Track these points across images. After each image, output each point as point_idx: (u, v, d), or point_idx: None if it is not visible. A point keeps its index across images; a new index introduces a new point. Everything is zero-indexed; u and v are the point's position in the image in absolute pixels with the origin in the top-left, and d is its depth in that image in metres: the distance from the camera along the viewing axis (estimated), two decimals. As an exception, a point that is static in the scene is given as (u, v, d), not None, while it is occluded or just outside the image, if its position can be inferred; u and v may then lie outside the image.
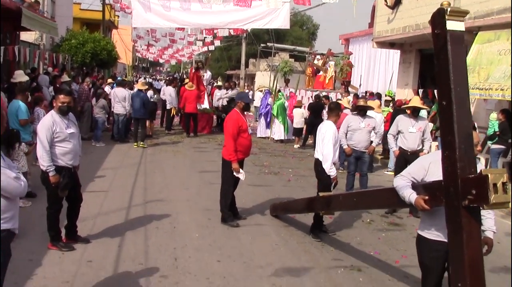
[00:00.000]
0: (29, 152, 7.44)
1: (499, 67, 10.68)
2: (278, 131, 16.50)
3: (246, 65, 38.92)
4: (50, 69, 17.09)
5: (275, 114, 16.38)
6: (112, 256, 5.58)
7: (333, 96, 18.96)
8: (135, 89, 14.18)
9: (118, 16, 38.94)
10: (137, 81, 20.47)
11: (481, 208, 3.35)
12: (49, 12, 21.50)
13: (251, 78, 40.34)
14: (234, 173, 6.95)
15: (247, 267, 5.51)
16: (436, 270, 3.90)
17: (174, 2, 15.50)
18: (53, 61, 17.18)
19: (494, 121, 10.98)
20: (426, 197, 3.73)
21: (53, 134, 5.31)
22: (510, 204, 3.29)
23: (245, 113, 7.43)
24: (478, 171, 3.42)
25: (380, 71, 22.17)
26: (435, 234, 3.86)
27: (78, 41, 20.71)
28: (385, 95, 15.51)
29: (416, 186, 3.90)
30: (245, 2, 13.86)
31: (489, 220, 3.93)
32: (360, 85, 22.71)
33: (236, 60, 43.56)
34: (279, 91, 17.78)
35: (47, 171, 5.32)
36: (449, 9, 3.60)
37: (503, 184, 3.20)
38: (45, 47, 20.99)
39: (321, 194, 6.08)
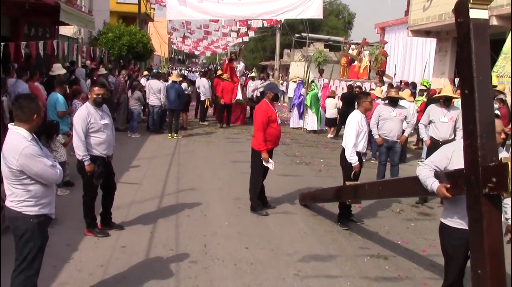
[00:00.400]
0: (67, 143, 7.74)
1: (536, 54, 10.40)
2: (311, 122, 16.51)
3: (281, 56, 38.87)
4: (88, 62, 17.59)
5: (308, 105, 16.38)
6: (145, 242, 5.80)
7: (367, 86, 18.77)
8: (170, 81, 14.42)
9: (154, 9, 39.43)
10: (171, 73, 20.77)
11: (501, 197, 3.35)
12: (87, 6, 22.02)
13: (285, 68, 40.26)
14: (264, 163, 7.06)
15: (274, 254, 5.63)
16: (459, 257, 3.92)
17: (207, -6, 15.69)
18: (90, 54, 17.66)
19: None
20: (448, 185, 3.76)
21: (88, 125, 5.54)
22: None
23: (278, 103, 7.51)
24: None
25: (416, 60, 21.77)
26: (457, 222, 3.88)
27: (115, 34, 21.17)
28: (421, 85, 15.29)
29: (439, 175, 3.92)
30: (277, -8, 13.84)
31: None
32: (394, 75, 22.38)
33: (271, 50, 43.54)
34: (313, 81, 17.76)
35: (83, 160, 5.56)
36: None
37: (523, 172, 3.20)
38: (83, 41, 21.55)
39: (347, 183, 6.13)
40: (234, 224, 6.62)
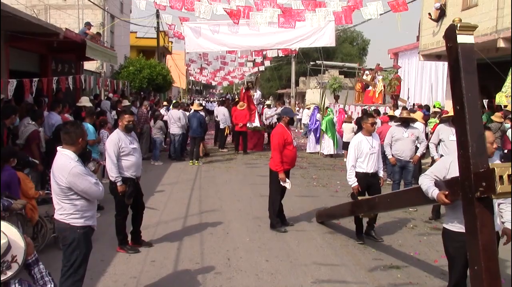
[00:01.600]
0: (97, 169, 8.28)
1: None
2: (327, 146, 16.94)
3: (296, 84, 39.53)
4: (111, 95, 18.38)
5: (324, 130, 16.85)
6: (172, 257, 6.26)
7: (381, 110, 19.20)
8: (192, 110, 15.11)
9: (172, 42, 40.63)
10: (192, 103, 21.51)
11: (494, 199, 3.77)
12: (109, 42, 23.04)
13: (301, 96, 40.92)
14: (281, 183, 7.52)
15: (292, 265, 6.04)
16: (460, 258, 4.29)
17: (222, 27, 16.43)
18: (113, 87, 18.48)
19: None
20: (447, 192, 4.18)
21: (119, 149, 6.10)
22: (515, 193, 3.69)
23: (294, 129, 8.00)
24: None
25: (428, 83, 22.21)
26: (457, 226, 4.28)
27: (136, 68, 22.07)
28: (433, 107, 15.68)
29: (439, 184, 4.35)
30: (290, 23, 14.50)
31: (508, 212, 4.31)
32: (408, 98, 22.80)
33: (287, 79, 44.27)
34: (328, 107, 18.27)
35: (115, 181, 6.09)
36: (459, 25, 4.08)
37: (509, 176, 3.62)
38: (105, 75, 22.49)
39: (360, 197, 6.56)
40: (254, 239, 7.06)
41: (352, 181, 6.99)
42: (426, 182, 4.44)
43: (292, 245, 6.87)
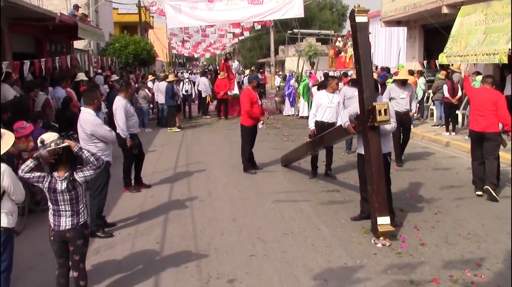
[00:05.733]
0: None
1: (475, 36, 12.60)
2: (302, 108, 18.75)
3: (276, 52, 41.04)
4: (99, 71, 19.92)
5: (301, 93, 18.61)
6: (166, 193, 8.14)
7: (351, 73, 21.01)
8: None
9: (153, 17, 41.77)
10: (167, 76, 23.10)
11: (375, 124, 5.63)
12: (94, 21, 24.39)
13: (281, 64, 42.40)
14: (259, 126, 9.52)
15: (258, 194, 7.96)
16: (362, 173, 6.19)
17: (200, 3, 18.06)
18: (102, 63, 20.01)
19: (477, 81, 12.95)
20: (354, 125, 6.05)
21: (126, 112, 7.84)
22: (390, 121, 5.57)
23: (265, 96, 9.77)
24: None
25: (396, 47, 24.01)
26: (361, 150, 6.16)
27: (121, 44, 23.51)
28: (397, 69, 17.48)
29: (351, 119, 6.21)
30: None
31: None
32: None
33: (267, 48, 45.59)
34: (304, 73, 20.02)
35: (125, 137, 7.83)
36: (356, 9, 5.88)
37: (385, 110, 5.48)
38: (93, 52, 23.92)
39: (307, 139, 8.44)
40: (230, 180, 8.95)
41: (311, 126, 8.81)
42: (344, 119, 6.31)
43: (260, 181, 8.78)
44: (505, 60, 10.74)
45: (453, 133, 12.97)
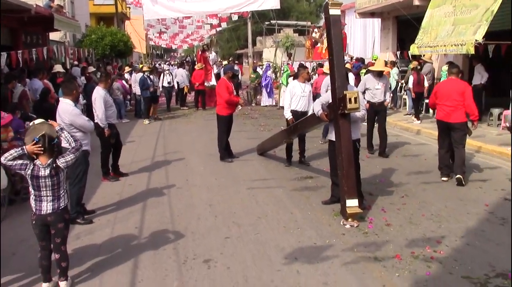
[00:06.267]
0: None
1: (444, 27, 12.99)
2: (284, 98, 18.98)
3: (254, 43, 41.17)
4: (76, 63, 19.86)
5: (284, 83, 18.80)
6: (144, 181, 8.34)
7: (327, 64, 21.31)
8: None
9: (130, 8, 41.43)
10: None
11: (345, 111, 5.92)
12: (70, 12, 24.23)
13: (259, 55, 42.60)
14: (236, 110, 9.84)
15: (234, 181, 8.21)
16: (333, 159, 6.49)
17: (177, -6, 18.15)
18: (79, 55, 19.93)
19: (444, 71, 13.39)
20: (326, 113, 6.33)
21: (105, 102, 8.00)
22: (359, 109, 5.86)
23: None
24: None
25: (371, 38, 24.42)
26: (333, 136, 6.44)
27: (98, 36, 23.40)
28: (372, 59, 17.87)
29: (323, 107, 6.48)
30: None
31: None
32: (347, 53, 25.05)
33: (245, 39, 45.61)
34: (285, 64, 20.24)
35: (104, 127, 8.01)
36: (330, 2, 6.15)
37: (355, 98, 5.77)
38: (69, 44, 23.77)
39: (282, 128, 8.71)
40: (207, 168, 9.18)
41: (288, 115, 9.03)
42: (316, 107, 6.58)
43: (236, 169, 9.03)
44: (472, 51, 11.13)
45: (418, 121, 13.52)
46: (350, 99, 5.77)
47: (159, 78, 18.52)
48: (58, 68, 13.51)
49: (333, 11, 6.20)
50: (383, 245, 5.30)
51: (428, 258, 4.93)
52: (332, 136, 6.47)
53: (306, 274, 4.65)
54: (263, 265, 4.88)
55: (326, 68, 15.29)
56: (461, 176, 7.65)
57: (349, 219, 5.92)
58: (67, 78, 6.36)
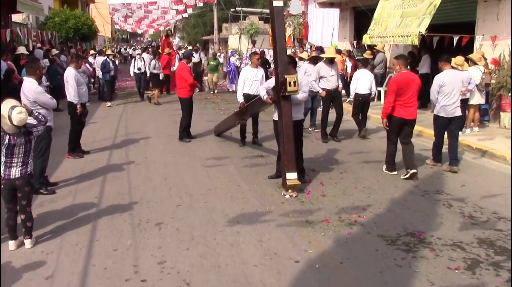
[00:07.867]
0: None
1: (393, 19, 13.82)
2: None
3: (220, 30, 41.51)
4: (39, 45, 19.94)
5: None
6: (105, 158, 8.88)
7: (288, 51, 22.00)
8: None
9: (95, -9, 41.06)
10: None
11: (286, 94, 6.59)
12: (33, -6, 24.08)
13: (224, 42, 42.90)
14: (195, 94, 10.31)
15: (190, 158, 8.83)
16: (278, 137, 7.18)
17: (141, -20, 18.41)
18: (42, 37, 20.02)
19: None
20: (271, 96, 6.99)
21: (77, 81, 8.48)
22: (298, 91, 6.55)
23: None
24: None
25: (331, 28, 25.19)
26: (276, 116, 7.12)
27: (61, 19, 23.41)
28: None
29: (268, 91, 7.13)
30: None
31: None
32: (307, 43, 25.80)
33: (211, 25, 45.91)
34: (253, 51, 20.80)
35: (76, 104, 8.51)
36: (274, -6, 6.78)
37: (294, 82, 6.44)
38: (32, 26, 23.69)
39: (235, 110, 9.36)
40: (166, 147, 9.77)
41: (240, 99, 9.65)
42: (262, 91, 7.23)
43: (193, 148, 9.65)
44: (416, 42, 11.99)
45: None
46: (290, 83, 6.45)
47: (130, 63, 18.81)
48: (21, 50, 13.76)
49: (276, 3, 6.85)
50: (316, 211, 6.03)
51: (352, 222, 5.69)
52: (276, 116, 7.14)
53: (244, 234, 5.33)
54: (208, 227, 5.54)
55: (304, 55, 16.01)
56: (416, 171, 7.51)
57: (289, 190, 6.63)
58: (30, 59, 6.78)
